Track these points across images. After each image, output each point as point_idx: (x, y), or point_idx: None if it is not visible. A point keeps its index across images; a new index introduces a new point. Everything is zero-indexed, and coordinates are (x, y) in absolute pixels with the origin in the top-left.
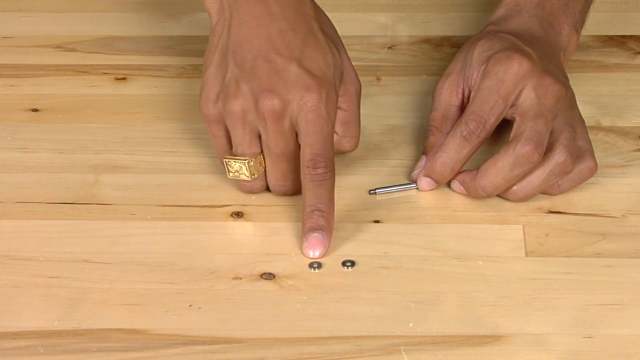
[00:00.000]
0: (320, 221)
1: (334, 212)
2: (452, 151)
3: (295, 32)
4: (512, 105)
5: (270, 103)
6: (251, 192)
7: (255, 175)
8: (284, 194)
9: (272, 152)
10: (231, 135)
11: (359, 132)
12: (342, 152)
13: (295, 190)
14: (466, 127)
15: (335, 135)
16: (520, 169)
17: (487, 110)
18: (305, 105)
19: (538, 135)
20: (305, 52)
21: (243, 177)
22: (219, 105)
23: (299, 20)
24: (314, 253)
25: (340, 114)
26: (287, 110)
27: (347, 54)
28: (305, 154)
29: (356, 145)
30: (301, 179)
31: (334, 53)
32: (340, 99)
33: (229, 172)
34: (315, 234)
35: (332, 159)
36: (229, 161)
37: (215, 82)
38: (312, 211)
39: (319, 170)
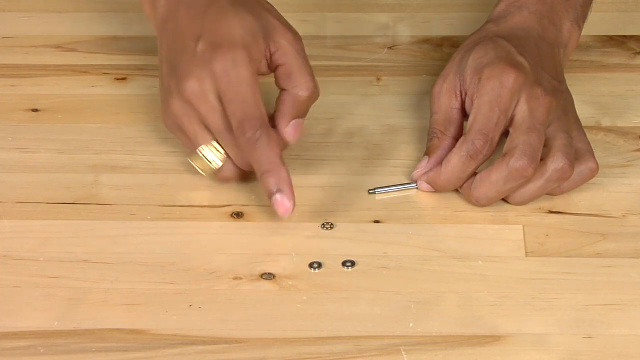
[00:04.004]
0: (271, 183)
1: (281, 163)
2: (457, 170)
3: (199, 13)
4: None
5: (189, 86)
6: (228, 179)
7: (219, 161)
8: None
9: (215, 130)
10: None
11: (311, 79)
12: (303, 102)
13: None
14: (473, 146)
15: (288, 93)
16: (514, 183)
17: (492, 127)
18: (215, 74)
19: (532, 149)
20: (206, 27)
21: (210, 167)
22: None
23: (204, 0)
24: (285, 213)
25: (281, 70)
26: (204, 86)
27: (275, 12)
28: (232, 125)
29: (314, 92)
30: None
31: (241, 15)
32: (275, 55)
33: (198, 169)
34: (274, 197)
35: (259, 117)
36: (193, 160)
37: (162, 94)
38: (261, 176)
39: (248, 134)
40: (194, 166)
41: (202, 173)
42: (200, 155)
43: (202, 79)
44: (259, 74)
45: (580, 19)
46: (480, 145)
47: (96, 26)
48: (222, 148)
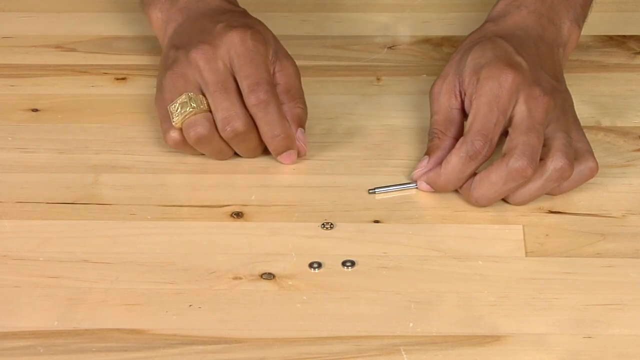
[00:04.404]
0: (281, 145)
1: (287, 126)
2: (456, 170)
3: (222, 14)
4: None
5: (200, 49)
6: (198, 136)
7: (196, 107)
8: (236, 136)
9: (209, 87)
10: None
11: (304, 101)
12: (302, 114)
13: (245, 129)
14: (472, 147)
15: (287, 106)
16: (514, 183)
17: (491, 128)
18: (232, 42)
19: (531, 149)
20: (231, 18)
21: (186, 111)
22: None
23: (230, 11)
24: (291, 162)
25: (280, 87)
26: (217, 52)
27: (282, 46)
28: (244, 87)
29: (306, 111)
30: (249, 111)
31: (263, 25)
32: (277, 74)
33: (173, 118)
34: (284, 154)
35: (271, 84)
36: (172, 105)
37: (161, 71)
38: (272, 138)
39: (261, 95)
40: (171, 115)
41: (176, 118)
42: (186, 99)
43: (216, 46)
44: None
45: (580, 19)
46: (480, 146)
47: (96, 26)
48: (203, 104)
